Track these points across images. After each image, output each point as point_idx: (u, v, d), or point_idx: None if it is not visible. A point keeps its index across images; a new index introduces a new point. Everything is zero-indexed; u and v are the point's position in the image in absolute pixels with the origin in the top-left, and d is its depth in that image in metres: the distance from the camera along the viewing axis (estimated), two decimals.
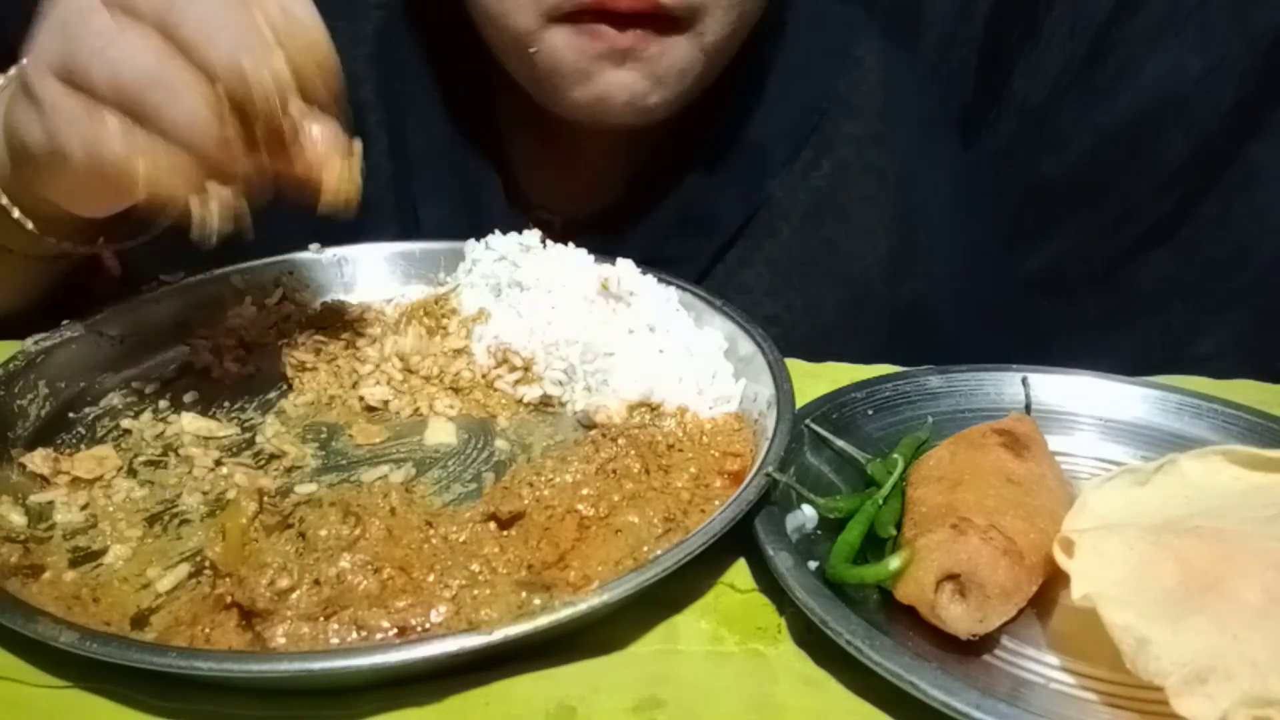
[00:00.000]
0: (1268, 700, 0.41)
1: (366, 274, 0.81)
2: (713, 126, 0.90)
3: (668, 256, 0.88)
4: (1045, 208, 1.26)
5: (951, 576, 0.48)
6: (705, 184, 0.90)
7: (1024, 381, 0.67)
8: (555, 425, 0.67)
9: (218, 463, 0.62)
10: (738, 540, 0.53)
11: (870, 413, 0.65)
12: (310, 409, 0.67)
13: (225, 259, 0.76)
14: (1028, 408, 0.66)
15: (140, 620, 0.50)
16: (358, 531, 0.52)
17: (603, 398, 0.66)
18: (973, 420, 0.63)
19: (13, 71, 0.61)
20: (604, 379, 0.67)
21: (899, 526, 0.54)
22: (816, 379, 0.70)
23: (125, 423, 0.65)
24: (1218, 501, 0.53)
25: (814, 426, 0.62)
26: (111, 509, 0.57)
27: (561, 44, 0.76)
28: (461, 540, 0.52)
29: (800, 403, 0.62)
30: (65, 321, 0.69)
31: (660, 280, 0.73)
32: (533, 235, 0.76)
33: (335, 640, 0.46)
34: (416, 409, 0.68)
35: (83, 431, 0.65)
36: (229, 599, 0.48)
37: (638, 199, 0.91)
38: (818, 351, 0.75)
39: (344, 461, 0.63)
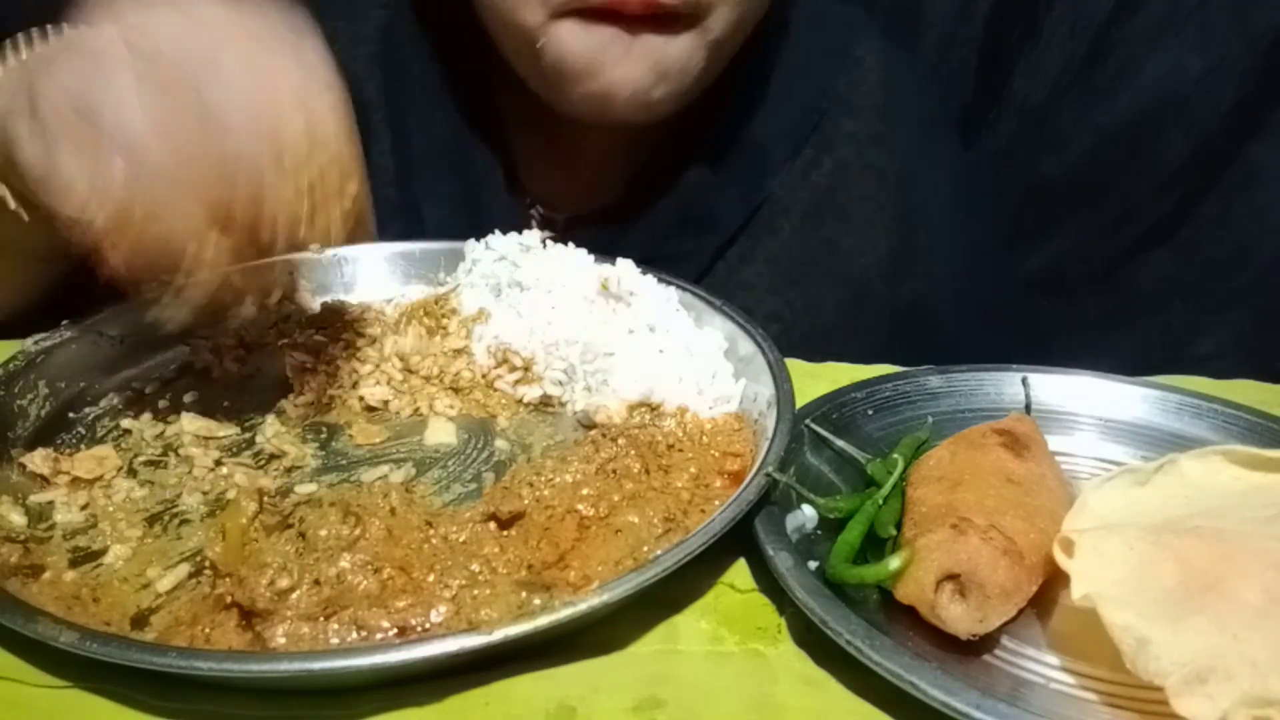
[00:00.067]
0: (1268, 700, 0.41)
1: (366, 274, 0.81)
2: (714, 125, 0.90)
3: (669, 254, 0.89)
4: (1045, 208, 1.26)
5: (951, 576, 0.48)
6: (706, 182, 0.91)
7: (1024, 381, 0.67)
8: (555, 425, 0.67)
9: (218, 463, 0.62)
10: (738, 540, 0.53)
11: (870, 413, 0.65)
12: (310, 409, 0.67)
13: None
14: (1028, 408, 0.66)
15: (140, 620, 0.50)
16: (358, 531, 0.52)
17: (603, 398, 0.66)
18: (973, 420, 0.63)
19: (12, 63, 0.61)
20: (604, 379, 0.67)
21: (899, 526, 0.54)
22: (816, 379, 0.70)
23: (125, 423, 0.65)
24: (1218, 501, 0.53)
25: (814, 426, 0.61)
26: (111, 509, 0.57)
27: (567, 36, 0.76)
28: (461, 540, 0.52)
29: (800, 403, 0.62)
30: (65, 321, 0.69)
31: (660, 280, 0.73)
32: (533, 235, 0.76)
33: (335, 640, 0.46)
34: (416, 409, 0.68)
35: (83, 431, 0.65)
36: (229, 599, 0.48)
37: (639, 197, 0.92)
38: (819, 349, 0.75)
39: (344, 461, 0.63)
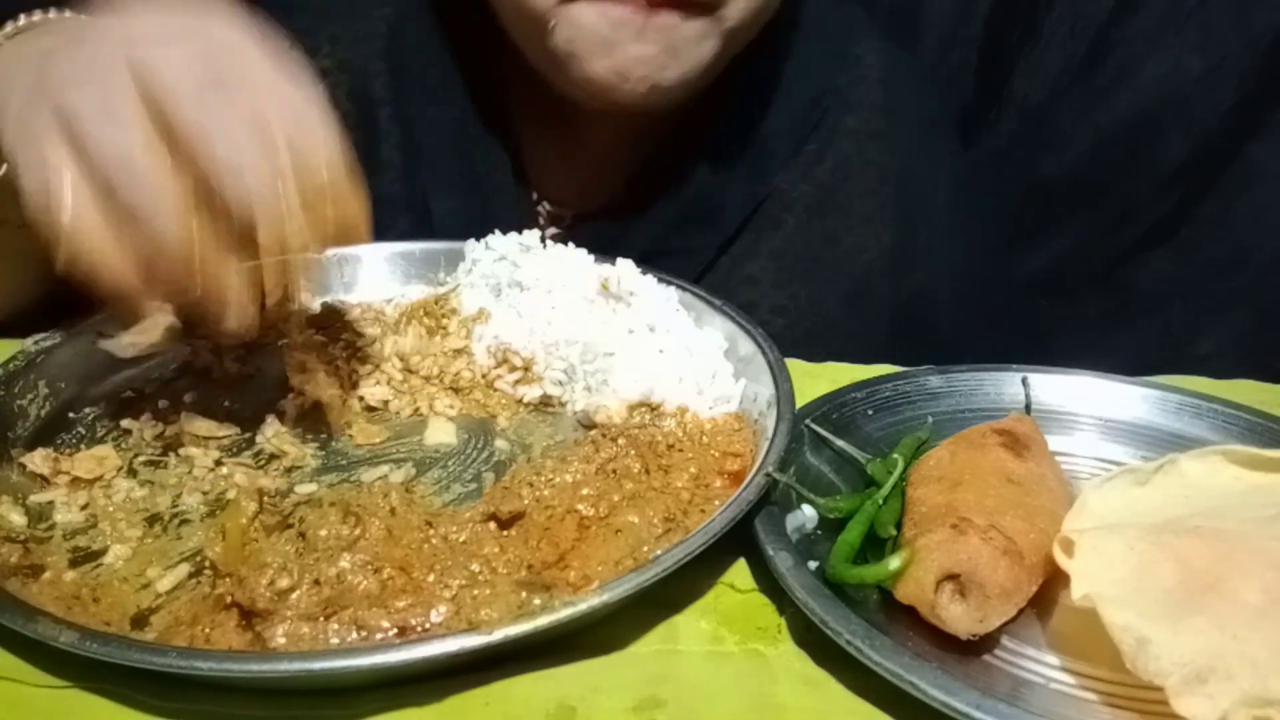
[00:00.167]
0: (1268, 700, 0.41)
1: (366, 274, 0.81)
2: (718, 121, 0.91)
3: (674, 249, 0.89)
4: (1045, 208, 1.26)
5: (951, 576, 0.48)
6: (710, 178, 0.91)
7: (1024, 381, 0.67)
8: (555, 425, 0.67)
9: (218, 463, 0.62)
10: (738, 540, 0.53)
11: (870, 413, 0.65)
12: (310, 409, 0.67)
13: None
14: (1028, 408, 0.66)
15: (140, 620, 0.50)
16: (358, 531, 0.52)
17: (603, 398, 0.66)
18: (973, 420, 0.63)
19: (9, 29, 0.61)
20: (604, 379, 0.67)
21: (899, 526, 0.54)
22: (816, 379, 0.71)
23: (125, 423, 0.65)
24: (1218, 501, 0.53)
25: (814, 426, 0.62)
26: (111, 509, 0.57)
27: (579, 16, 0.76)
28: (461, 540, 0.52)
29: (800, 403, 0.62)
30: (65, 321, 0.69)
31: (660, 280, 0.73)
32: (532, 235, 0.76)
33: (335, 640, 0.46)
34: (416, 409, 0.68)
35: (83, 431, 0.65)
36: (229, 599, 0.48)
37: (644, 192, 0.92)
38: (823, 344, 0.75)
39: (344, 461, 0.63)
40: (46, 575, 0.52)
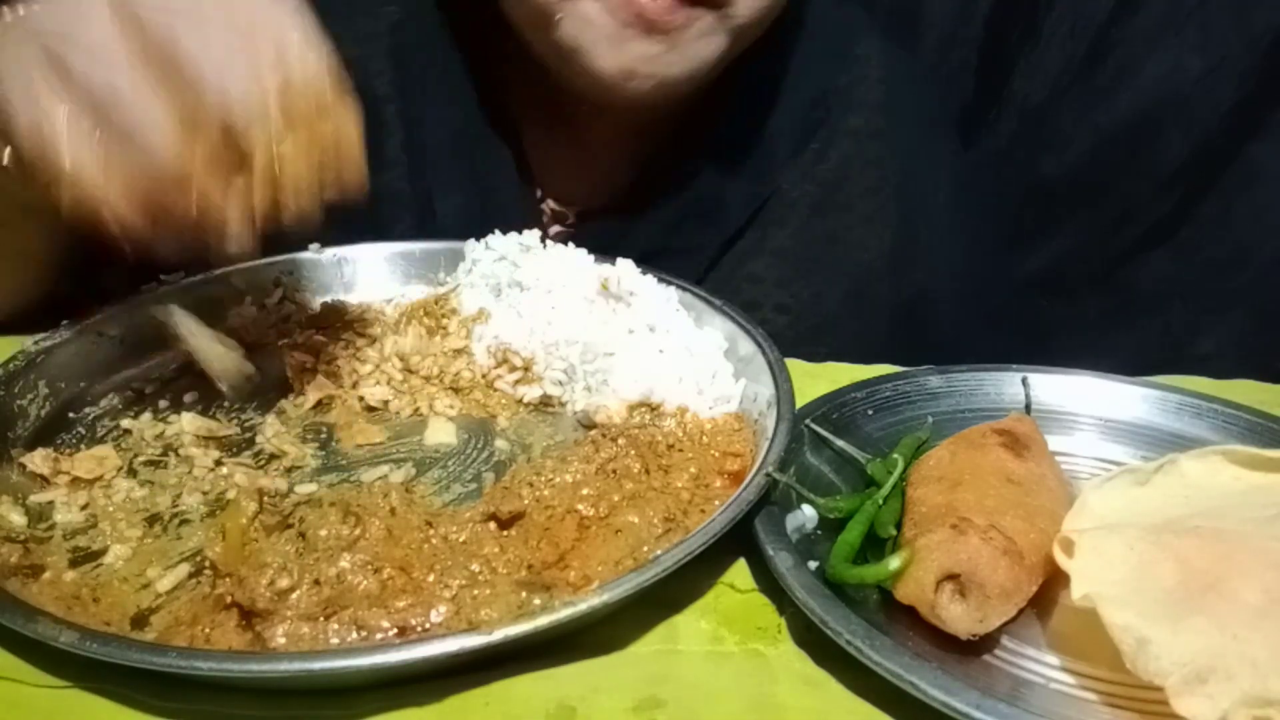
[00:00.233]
0: (1268, 700, 0.41)
1: (366, 274, 0.81)
2: (720, 120, 0.91)
3: (677, 247, 0.89)
4: (1045, 208, 1.26)
5: (951, 576, 0.48)
6: (713, 176, 0.91)
7: (1024, 381, 0.67)
8: (555, 425, 0.67)
9: (218, 463, 0.62)
10: (738, 540, 0.53)
11: (870, 413, 0.65)
12: (310, 409, 0.67)
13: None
14: (1028, 408, 0.66)
15: (140, 620, 0.50)
16: (358, 531, 0.52)
17: (603, 398, 0.66)
18: (973, 420, 0.63)
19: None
20: (604, 379, 0.67)
21: (899, 526, 0.54)
22: (816, 379, 0.70)
23: (125, 423, 0.65)
24: (1218, 501, 0.53)
25: (814, 426, 0.62)
26: (111, 509, 0.57)
27: (586, 11, 0.76)
28: (461, 540, 0.52)
29: (800, 403, 0.62)
30: (65, 321, 0.69)
31: (660, 280, 0.73)
32: (533, 235, 0.76)
33: (335, 640, 0.46)
34: (416, 409, 0.68)
35: (83, 431, 0.65)
36: (229, 599, 0.48)
37: (648, 190, 0.92)
38: (826, 341, 0.75)
39: (344, 461, 0.63)
40: (46, 575, 0.52)
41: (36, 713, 0.45)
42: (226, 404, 0.68)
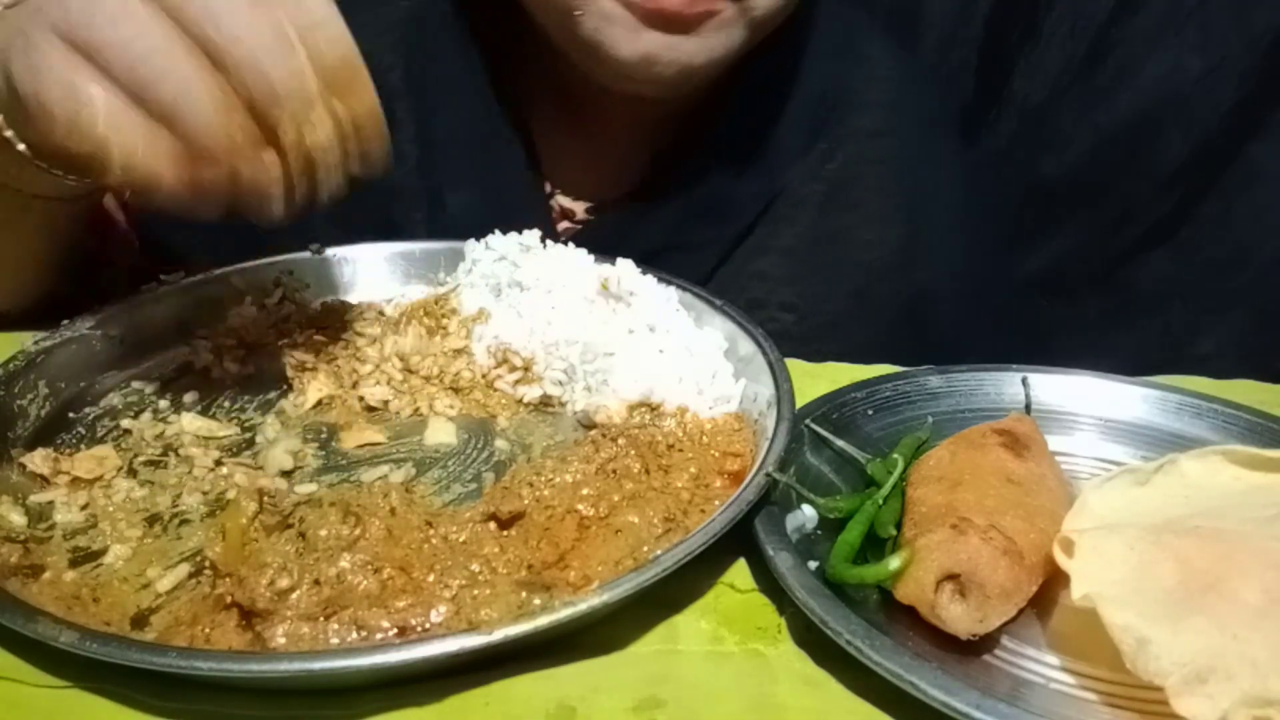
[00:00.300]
0: (1268, 700, 0.41)
1: (366, 274, 0.81)
2: (731, 116, 0.91)
3: (686, 243, 0.90)
4: (1045, 208, 1.26)
5: (951, 576, 0.48)
6: (723, 173, 0.92)
7: (1024, 381, 0.67)
8: (555, 425, 0.67)
9: (218, 463, 0.62)
10: (738, 540, 0.53)
11: (870, 413, 0.65)
12: (310, 409, 0.67)
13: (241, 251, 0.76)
14: (1028, 408, 0.66)
15: (140, 620, 0.50)
16: (358, 531, 0.52)
17: (603, 398, 0.66)
18: (973, 420, 0.63)
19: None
20: (604, 379, 0.67)
21: (899, 526, 0.54)
22: (816, 379, 0.71)
23: (125, 423, 0.65)
24: (1218, 501, 0.53)
25: (814, 426, 0.62)
26: (111, 509, 0.57)
27: (607, 7, 0.76)
28: (461, 540, 0.52)
29: (800, 403, 0.62)
30: (65, 321, 0.69)
31: (660, 280, 0.73)
32: (533, 235, 0.76)
33: (335, 640, 0.46)
34: (416, 409, 0.68)
35: (83, 431, 0.65)
36: (229, 599, 0.48)
37: (658, 186, 0.93)
38: (832, 339, 0.75)
39: (344, 461, 0.63)
40: (46, 575, 0.52)
41: (36, 713, 0.45)
42: (226, 404, 0.68)
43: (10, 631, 0.46)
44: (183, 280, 0.75)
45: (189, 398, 0.68)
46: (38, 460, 0.59)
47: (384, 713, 0.45)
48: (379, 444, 0.64)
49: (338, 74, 0.55)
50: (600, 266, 0.73)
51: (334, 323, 0.74)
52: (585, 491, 0.55)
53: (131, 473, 0.61)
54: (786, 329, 0.66)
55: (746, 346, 0.68)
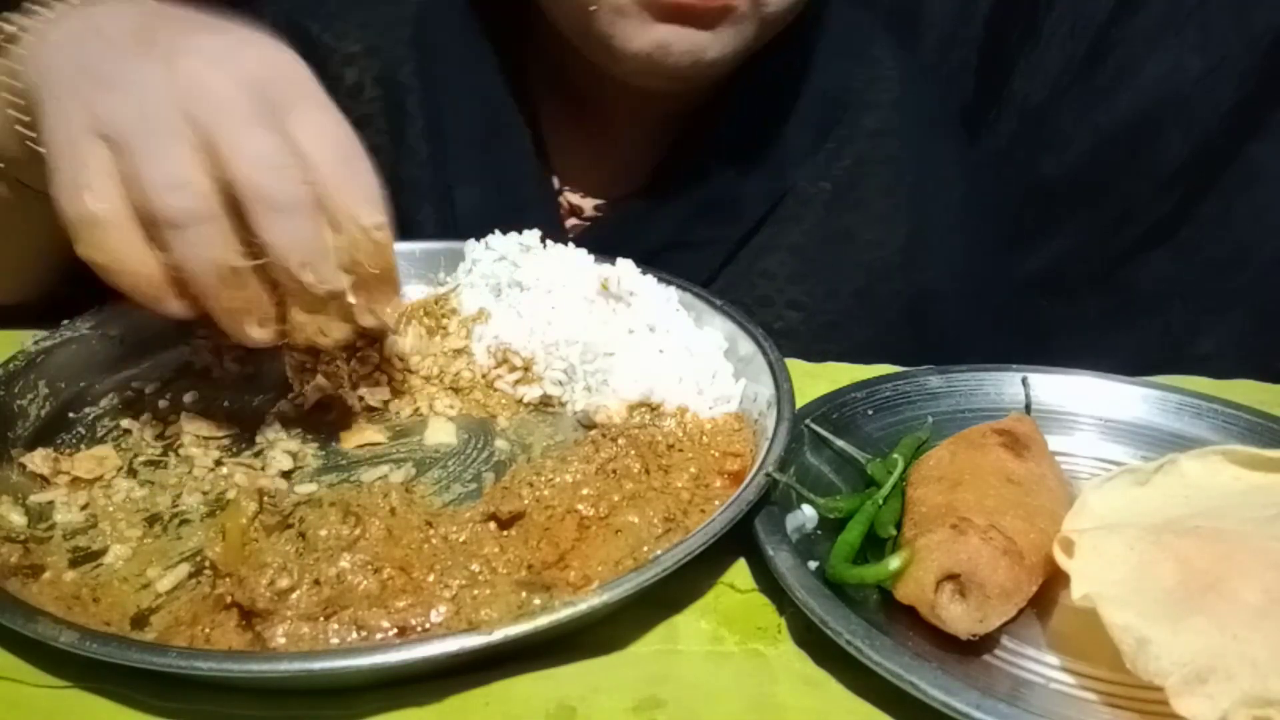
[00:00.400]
0: (1268, 700, 0.41)
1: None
2: (738, 115, 0.91)
3: (693, 241, 0.90)
4: (1045, 208, 1.26)
5: (951, 576, 0.48)
6: (730, 171, 0.92)
7: (1024, 381, 0.67)
8: (555, 425, 0.67)
9: (218, 463, 0.62)
10: (738, 540, 0.53)
11: (870, 413, 0.65)
12: (310, 409, 0.67)
13: None
14: (1028, 408, 0.66)
15: (140, 620, 0.50)
16: (358, 531, 0.52)
17: (603, 398, 0.66)
18: (973, 420, 0.63)
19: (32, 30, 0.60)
20: (604, 379, 0.67)
21: (899, 526, 0.54)
22: (816, 379, 0.71)
23: (125, 423, 0.65)
24: (1218, 501, 0.53)
25: (814, 426, 0.62)
26: (111, 509, 0.57)
27: (621, 2, 0.77)
28: (461, 540, 0.52)
29: (800, 403, 0.62)
30: (65, 321, 0.69)
31: (660, 280, 0.73)
32: (533, 235, 0.76)
33: (335, 640, 0.46)
34: (416, 409, 0.68)
35: (83, 431, 0.65)
36: (229, 599, 0.48)
37: (665, 184, 0.93)
38: (838, 338, 0.75)
39: (344, 461, 0.63)
40: (46, 575, 0.52)
41: (36, 713, 0.45)
42: (226, 404, 0.68)
43: (10, 631, 0.46)
44: None
45: (189, 398, 0.68)
46: (38, 460, 0.59)
47: (384, 713, 0.45)
48: (379, 444, 0.64)
49: (370, 279, 0.56)
50: (600, 266, 0.73)
51: None
52: (585, 491, 0.55)
53: (131, 473, 0.61)
54: (794, 327, 0.66)
55: (746, 346, 0.68)
